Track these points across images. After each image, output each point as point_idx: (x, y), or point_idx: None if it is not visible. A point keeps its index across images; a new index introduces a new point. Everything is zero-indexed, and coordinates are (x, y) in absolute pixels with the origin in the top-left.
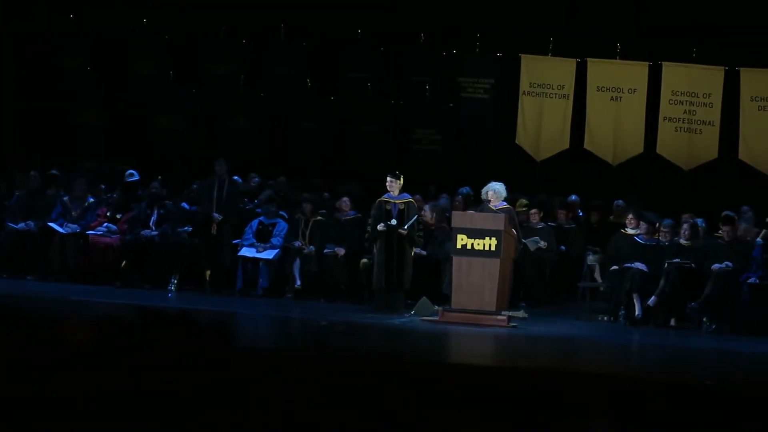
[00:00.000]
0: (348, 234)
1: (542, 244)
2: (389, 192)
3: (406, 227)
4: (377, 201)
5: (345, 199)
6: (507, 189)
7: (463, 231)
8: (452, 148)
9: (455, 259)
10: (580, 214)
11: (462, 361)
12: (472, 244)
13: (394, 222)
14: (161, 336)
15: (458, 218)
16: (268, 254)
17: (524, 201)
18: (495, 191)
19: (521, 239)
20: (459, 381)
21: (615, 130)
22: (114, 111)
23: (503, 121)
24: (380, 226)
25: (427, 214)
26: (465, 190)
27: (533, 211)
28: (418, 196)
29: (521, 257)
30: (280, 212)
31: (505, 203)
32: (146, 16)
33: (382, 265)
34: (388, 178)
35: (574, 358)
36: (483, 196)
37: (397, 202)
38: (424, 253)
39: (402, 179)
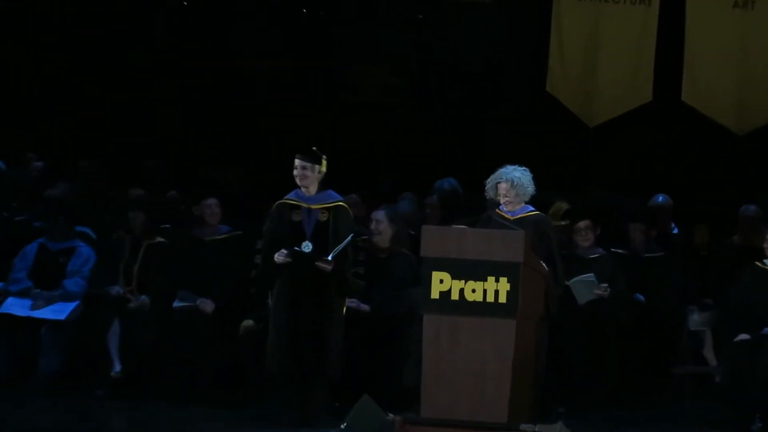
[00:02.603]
0: (218, 270)
1: (601, 288)
2: (299, 188)
3: (330, 257)
4: (275, 206)
5: (210, 201)
6: (534, 181)
7: (443, 264)
8: (423, 100)
9: (428, 321)
10: (675, 230)
11: None
12: (462, 291)
13: (307, 247)
14: None
15: (434, 239)
16: (57, 312)
17: (564, 205)
18: (513, 184)
19: (561, 279)
20: None
21: (741, 69)
22: None
23: (519, 51)
24: (280, 256)
25: (380, 229)
26: (447, 183)
27: (583, 224)
28: (355, 197)
29: (561, 315)
30: (80, 228)
31: (532, 208)
32: None
33: (285, 332)
34: (298, 162)
35: None
36: (488, 195)
37: (314, 208)
38: (366, 308)
39: (324, 164)
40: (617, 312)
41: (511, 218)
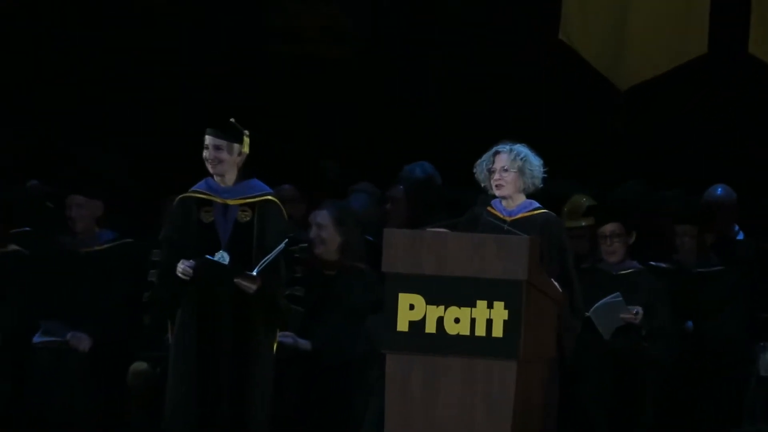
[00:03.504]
0: (97, 292)
1: (630, 312)
2: (211, 177)
3: (255, 273)
4: (178, 201)
5: (79, 198)
6: (542, 165)
7: (415, 283)
8: (387, 50)
9: (393, 362)
10: (740, 235)
11: None
12: (441, 321)
13: (223, 259)
14: None
15: (401, 247)
16: None
17: (585, 201)
18: (518, 156)
19: (579, 306)
20: None
21: None
22: None
23: None
24: (183, 267)
25: (323, 236)
26: (420, 169)
27: (610, 228)
28: (289, 188)
29: (579, 355)
30: None
31: (538, 205)
32: None
33: (190, 379)
34: (209, 140)
35: None
36: (478, 177)
37: (232, 203)
38: (307, 345)
39: (247, 143)
40: (657, 350)
41: (508, 218)
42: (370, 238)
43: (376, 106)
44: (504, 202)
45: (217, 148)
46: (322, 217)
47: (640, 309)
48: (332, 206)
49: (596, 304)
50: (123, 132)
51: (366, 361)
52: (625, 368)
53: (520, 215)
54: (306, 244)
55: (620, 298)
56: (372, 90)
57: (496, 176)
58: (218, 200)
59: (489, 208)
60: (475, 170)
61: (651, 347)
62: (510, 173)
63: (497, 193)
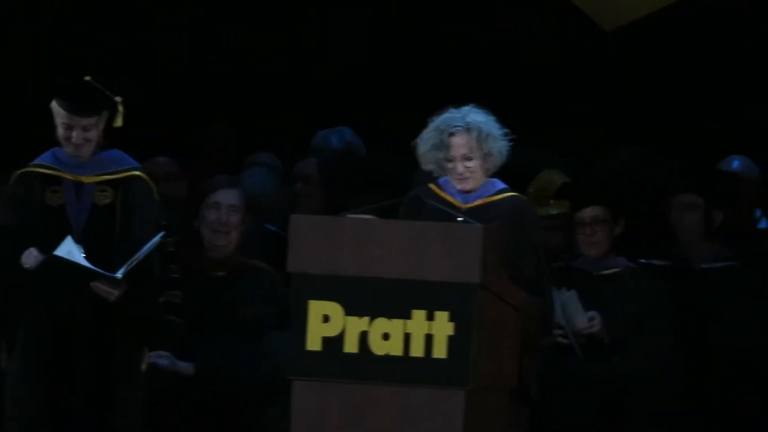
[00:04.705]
0: None
1: (589, 320)
2: (59, 147)
3: (120, 275)
4: (15, 177)
5: None
6: (506, 135)
7: (330, 287)
8: None
9: (302, 392)
10: (763, 222)
11: None
12: (365, 337)
13: (71, 253)
14: None
15: (313, 240)
16: None
17: (558, 178)
18: (481, 136)
19: (547, 313)
20: None
21: None
22: None
23: None
24: (28, 259)
25: (231, 221)
26: (337, 136)
27: (591, 214)
28: (165, 161)
29: (547, 382)
30: None
31: (503, 185)
32: None
33: (33, 410)
34: (69, 119)
35: None
36: (429, 167)
37: (88, 181)
38: (189, 368)
39: (122, 111)
40: (651, 373)
41: (464, 205)
42: (272, 228)
43: (278, 49)
44: (463, 186)
45: (85, 128)
46: (236, 197)
47: (596, 314)
48: (223, 185)
49: (567, 307)
50: None
51: (266, 390)
52: (610, 395)
53: (479, 201)
54: (178, 236)
55: (575, 298)
56: (274, 28)
57: (459, 169)
58: (69, 177)
59: (436, 190)
60: (417, 150)
61: (640, 368)
62: (475, 162)
63: (460, 187)
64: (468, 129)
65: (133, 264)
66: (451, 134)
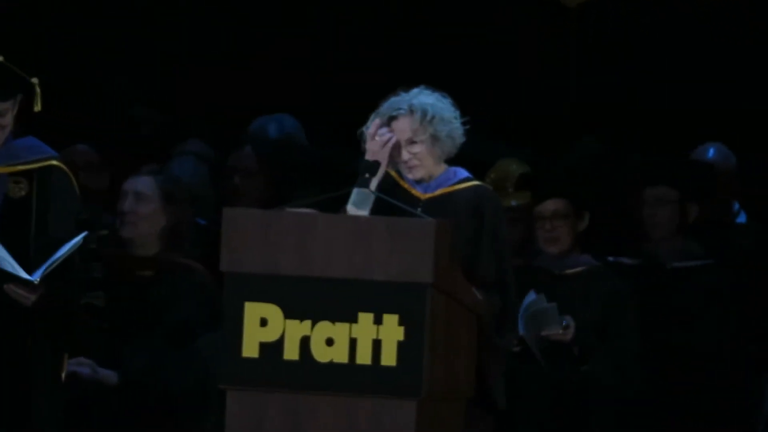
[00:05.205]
0: None
1: (563, 326)
2: None
3: (37, 278)
4: None
5: None
6: (458, 118)
7: (267, 288)
8: None
9: (237, 402)
10: (742, 217)
11: None
12: (306, 342)
13: None
14: None
15: (247, 236)
16: None
17: (516, 168)
18: (431, 131)
19: (513, 320)
20: None
21: None
22: None
23: None
24: None
25: (140, 211)
26: (275, 124)
27: (552, 207)
28: (85, 148)
29: (514, 391)
30: None
31: (465, 174)
32: None
33: None
34: None
35: None
36: (365, 147)
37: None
38: (113, 377)
39: (39, 93)
40: (611, 380)
41: (423, 195)
42: (202, 222)
43: (211, 28)
44: (414, 174)
45: None
46: (145, 185)
47: (570, 320)
48: (149, 176)
49: (530, 312)
50: None
51: (197, 399)
52: (574, 405)
53: (440, 191)
54: (107, 232)
55: (548, 303)
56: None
57: (404, 156)
58: None
59: (396, 178)
60: (363, 132)
61: (603, 376)
62: (420, 146)
63: (410, 176)
64: (410, 110)
65: (51, 266)
66: (392, 118)
